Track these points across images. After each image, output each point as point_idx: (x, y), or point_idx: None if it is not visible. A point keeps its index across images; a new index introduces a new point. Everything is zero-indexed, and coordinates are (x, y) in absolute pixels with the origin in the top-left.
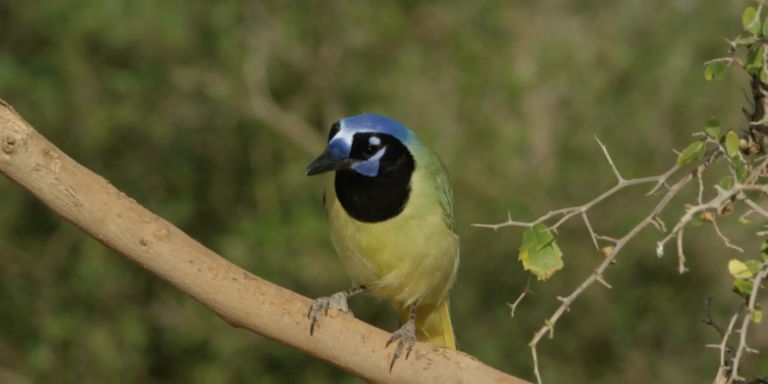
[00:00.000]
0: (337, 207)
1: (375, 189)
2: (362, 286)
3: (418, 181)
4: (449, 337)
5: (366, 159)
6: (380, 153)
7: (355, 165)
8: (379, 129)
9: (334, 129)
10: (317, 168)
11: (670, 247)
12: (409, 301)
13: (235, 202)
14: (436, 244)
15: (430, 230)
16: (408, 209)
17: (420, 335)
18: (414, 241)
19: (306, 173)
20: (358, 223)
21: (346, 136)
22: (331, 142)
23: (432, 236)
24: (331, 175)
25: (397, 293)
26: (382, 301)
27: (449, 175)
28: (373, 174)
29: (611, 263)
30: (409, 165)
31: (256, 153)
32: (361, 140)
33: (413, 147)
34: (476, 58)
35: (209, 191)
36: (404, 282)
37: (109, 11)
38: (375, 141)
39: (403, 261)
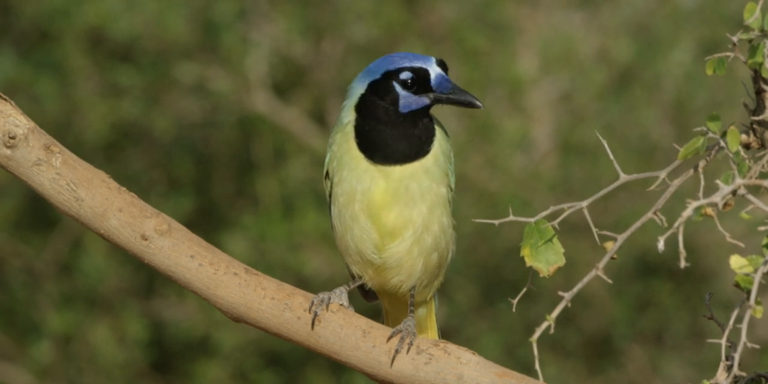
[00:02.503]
0: (356, 159)
1: (411, 127)
2: (360, 277)
3: (438, 128)
4: (432, 334)
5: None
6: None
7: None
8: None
9: (417, 71)
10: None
11: (671, 242)
12: (404, 287)
13: (236, 197)
14: (438, 219)
15: (435, 199)
16: (430, 156)
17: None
18: (420, 204)
19: (481, 105)
20: (380, 167)
21: (437, 70)
22: (442, 77)
23: (435, 207)
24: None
25: (394, 274)
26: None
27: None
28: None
29: (612, 258)
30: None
31: (257, 148)
32: (445, 67)
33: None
34: (478, 53)
35: (211, 186)
36: (404, 258)
37: (111, 5)
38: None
39: (407, 229)
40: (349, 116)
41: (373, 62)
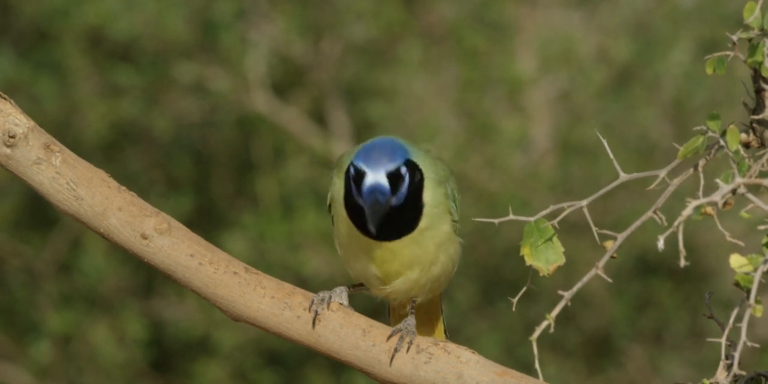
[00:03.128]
0: (349, 226)
1: (393, 213)
2: (362, 284)
3: (429, 193)
4: (438, 324)
5: (399, 190)
6: (407, 179)
7: (394, 201)
8: (399, 157)
9: (359, 173)
10: (378, 221)
11: (671, 241)
12: (406, 301)
13: (236, 197)
14: (444, 251)
15: (441, 239)
16: (423, 223)
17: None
18: (426, 250)
19: (374, 231)
20: (374, 242)
21: (379, 178)
22: (369, 188)
23: (442, 244)
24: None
25: (399, 297)
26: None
27: (455, 178)
28: (401, 202)
29: (612, 257)
30: (421, 179)
31: (256, 147)
32: (394, 176)
33: (418, 159)
34: (477, 53)
35: (210, 185)
36: (410, 287)
37: (110, 5)
38: (404, 171)
39: (413, 269)
40: (343, 170)
41: (379, 137)
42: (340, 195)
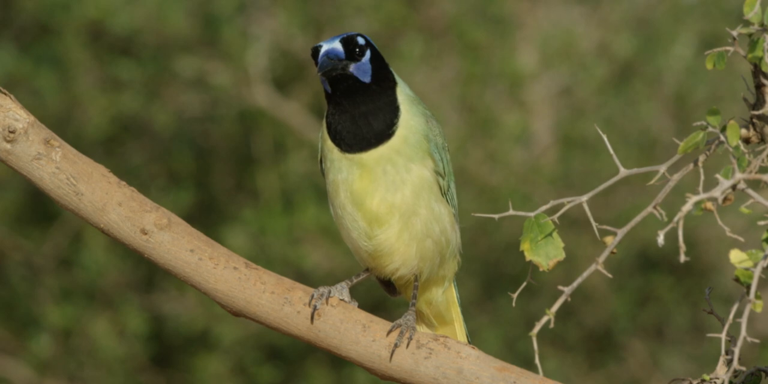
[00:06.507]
0: (331, 148)
1: (365, 106)
2: (367, 269)
3: (405, 104)
4: (459, 328)
5: (359, 60)
6: (368, 54)
7: (352, 68)
8: (357, 35)
9: (316, 51)
10: (327, 69)
11: (672, 236)
12: (399, 274)
13: (236, 191)
14: (425, 204)
15: (418, 182)
16: (400, 132)
17: (429, 324)
18: (402, 188)
19: (320, 72)
20: (350, 156)
21: (333, 45)
22: (323, 54)
23: (421, 191)
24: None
25: (388, 261)
26: (384, 294)
27: (446, 139)
28: (367, 79)
29: (612, 252)
30: (391, 79)
31: (257, 142)
32: (349, 42)
33: (397, 78)
34: (478, 47)
35: (210, 180)
36: (394, 245)
37: None
38: (361, 40)
39: (392, 215)
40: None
41: None
42: (324, 130)
